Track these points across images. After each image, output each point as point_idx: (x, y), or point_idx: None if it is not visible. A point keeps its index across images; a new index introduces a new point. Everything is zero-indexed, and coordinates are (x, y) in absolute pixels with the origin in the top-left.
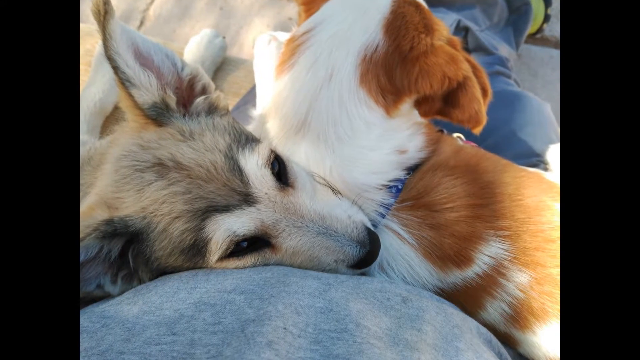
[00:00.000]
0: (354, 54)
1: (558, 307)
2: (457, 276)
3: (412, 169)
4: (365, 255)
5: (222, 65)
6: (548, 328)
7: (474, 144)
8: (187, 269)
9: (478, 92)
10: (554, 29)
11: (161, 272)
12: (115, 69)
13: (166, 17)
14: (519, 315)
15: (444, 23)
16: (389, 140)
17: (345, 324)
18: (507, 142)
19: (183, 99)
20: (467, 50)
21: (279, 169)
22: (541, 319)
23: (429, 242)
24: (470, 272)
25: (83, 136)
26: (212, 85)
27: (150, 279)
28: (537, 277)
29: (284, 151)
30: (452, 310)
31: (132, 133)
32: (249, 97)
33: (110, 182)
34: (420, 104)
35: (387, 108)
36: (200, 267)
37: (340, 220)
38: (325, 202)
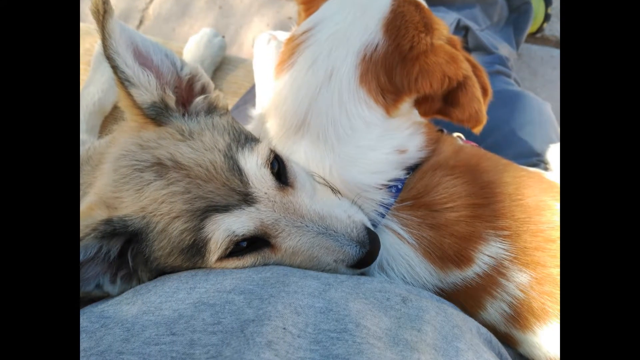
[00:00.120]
0: (353, 53)
1: (558, 307)
2: (457, 276)
3: (412, 169)
4: (365, 255)
5: (222, 64)
6: (548, 328)
7: (474, 144)
8: (187, 268)
9: (478, 92)
10: (554, 28)
11: (160, 272)
12: (115, 68)
13: (165, 16)
14: (519, 315)
15: (444, 22)
16: (389, 139)
17: (345, 324)
18: (507, 141)
19: (182, 98)
20: (467, 49)
21: (279, 168)
22: (541, 319)
23: (429, 242)
24: (470, 272)
25: (82, 135)
26: (212, 85)
27: (150, 279)
28: (538, 277)
29: (283, 151)
30: (452, 310)
31: (131, 132)
32: (249, 97)
33: (110, 181)
34: (420, 104)
35: (387, 107)
36: (200, 267)
37: (340, 220)
38: (325, 202)
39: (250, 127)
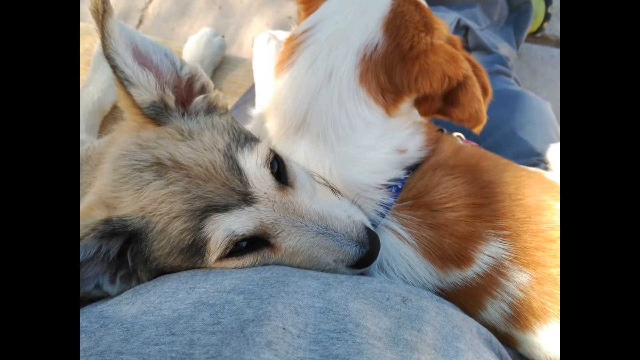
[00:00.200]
0: (353, 52)
1: (558, 307)
2: (457, 276)
3: (412, 169)
4: (364, 255)
5: (221, 64)
6: (548, 328)
7: (474, 143)
8: (186, 268)
9: (478, 91)
10: (554, 27)
11: (160, 272)
12: (114, 68)
13: (165, 16)
14: (520, 315)
15: (443, 22)
16: (389, 139)
17: (344, 324)
18: (507, 141)
19: (182, 98)
20: (467, 49)
21: (278, 168)
22: (541, 319)
23: (429, 241)
24: (470, 272)
25: (81, 135)
26: (211, 84)
27: (149, 279)
28: (538, 276)
29: (283, 150)
30: (452, 310)
31: (131, 132)
32: (248, 96)
33: (109, 181)
34: (420, 103)
35: (387, 107)
36: (199, 267)
37: (340, 219)
38: (325, 202)
39: (249, 127)
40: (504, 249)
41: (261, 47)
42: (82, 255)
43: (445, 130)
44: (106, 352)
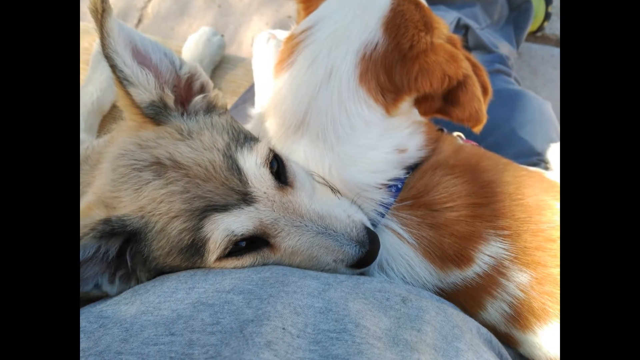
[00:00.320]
0: (353, 52)
1: (559, 307)
2: (457, 276)
3: (412, 168)
4: (364, 255)
5: (221, 63)
6: (549, 328)
7: (474, 143)
8: (185, 268)
9: (478, 91)
10: (554, 27)
11: (159, 271)
12: (113, 67)
13: (164, 15)
14: (520, 315)
15: (443, 21)
16: (389, 139)
17: (344, 324)
18: (508, 141)
19: (181, 97)
20: (467, 48)
21: (278, 168)
22: (542, 319)
23: (429, 241)
24: (471, 271)
25: (81, 135)
26: (211, 84)
27: (148, 279)
28: (538, 276)
29: (282, 150)
30: (452, 310)
31: (130, 132)
32: (248, 96)
33: (108, 181)
34: (420, 103)
35: (387, 107)
36: (199, 267)
37: (340, 219)
38: (325, 202)
39: (249, 127)
40: (504, 248)
41: (261, 46)
42: (81, 255)
43: (445, 130)
44: (105, 352)
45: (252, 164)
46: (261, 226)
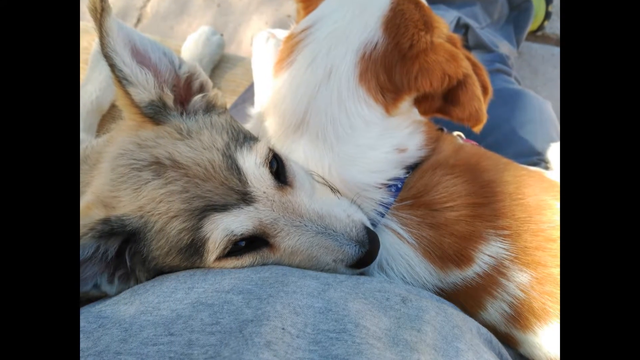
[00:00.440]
0: (353, 51)
1: (559, 307)
2: (457, 276)
3: (412, 168)
4: (364, 254)
5: (220, 63)
6: (549, 328)
7: (474, 143)
8: (185, 268)
9: (478, 90)
10: (554, 26)
11: (158, 271)
12: (112, 66)
13: (163, 14)
14: (520, 316)
15: (443, 20)
16: (389, 138)
17: (344, 324)
18: (508, 140)
19: (180, 97)
20: (467, 47)
21: (278, 167)
22: (542, 319)
23: (429, 241)
24: (471, 271)
25: (80, 134)
26: (210, 83)
27: (148, 279)
28: (538, 276)
29: (282, 150)
30: (452, 310)
31: (129, 131)
32: (247, 95)
33: (107, 180)
34: (420, 102)
35: (387, 106)
36: (198, 267)
37: (339, 219)
38: (324, 201)
39: (248, 126)
40: (504, 248)
41: (260, 45)
42: (80, 255)
43: (445, 130)
44: (104, 352)
45: (252, 163)
46: (261, 226)
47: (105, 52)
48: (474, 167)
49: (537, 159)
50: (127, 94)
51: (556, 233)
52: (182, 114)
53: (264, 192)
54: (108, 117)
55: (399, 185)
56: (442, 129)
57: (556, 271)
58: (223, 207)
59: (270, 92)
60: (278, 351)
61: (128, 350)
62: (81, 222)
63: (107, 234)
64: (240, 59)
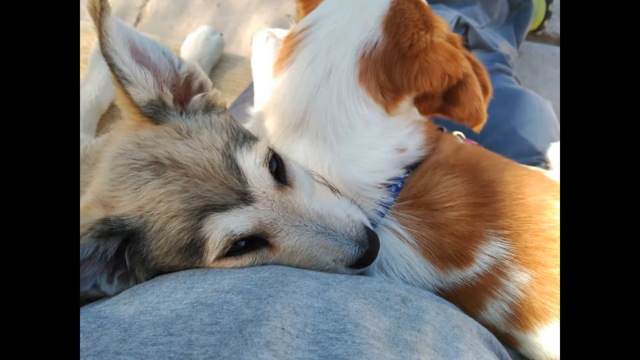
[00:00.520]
0: (352, 51)
1: (559, 307)
2: (457, 276)
3: (412, 168)
4: (364, 254)
5: (220, 62)
6: (549, 328)
7: (474, 142)
8: (184, 268)
9: (478, 90)
10: (555, 25)
11: (158, 271)
12: (112, 66)
13: (163, 14)
14: (520, 316)
15: (443, 20)
16: (389, 138)
17: (344, 324)
18: (508, 140)
19: (180, 96)
20: (467, 47)
21: (277, 167)
22: (542, 319)
23: (429, 241)
24: (471, 271)
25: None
26: (210, 83)
27: (147, 279)
28: (538, 276)
29: (282, 149)
30: (452, 310)
31: (129, 131)
32: (247, 95)
33: (107, 180)
34: (420, 102)
35: (387, 106)
36: (198, 267)
37: (339, 219)
38: (324, 201)
39: (248, 126)
40: (505, 248)
41: (260, 45)
42: (80, 255)
43: (445, 129)
44: (104, 352)
45: (251, 163)
46: (260, 226)
47: (105, 52)
48: (474, 167)
49: (537, 158)
50: (127, 93)
51: (556, 233)
52: (181, 113)
53: (264, 192)
54: (107, 116)
55: (399, 185)
56: (442, 129)
57: (556, 271)
58: (223, 207)
59: (269, 91)
60: (278, 351)
61: (127, 350)
62: (81, 222)
63: (106, 234)
64: (239, 58)
